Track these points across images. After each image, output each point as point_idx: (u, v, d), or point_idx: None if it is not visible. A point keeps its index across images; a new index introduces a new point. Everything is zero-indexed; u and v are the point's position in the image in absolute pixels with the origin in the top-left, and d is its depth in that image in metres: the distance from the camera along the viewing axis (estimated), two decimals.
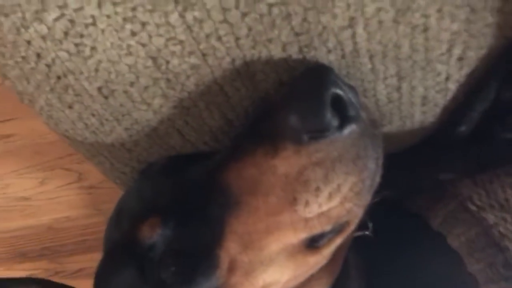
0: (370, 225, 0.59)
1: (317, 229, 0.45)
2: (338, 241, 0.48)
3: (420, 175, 0.60)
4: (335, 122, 0.42)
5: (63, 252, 1.55)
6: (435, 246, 0.57)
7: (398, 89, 0.49)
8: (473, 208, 0.54)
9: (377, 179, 0.46)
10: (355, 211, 0.46)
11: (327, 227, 0.46)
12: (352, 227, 0.49)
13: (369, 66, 0.46)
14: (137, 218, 0.51)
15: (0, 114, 1.09)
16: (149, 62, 0.44)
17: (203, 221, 0.47)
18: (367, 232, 0.59)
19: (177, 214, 0.49)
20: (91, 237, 1.48)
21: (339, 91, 0.42)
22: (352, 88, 0.45)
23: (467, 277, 0.54)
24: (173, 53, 0.44)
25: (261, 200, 0.45)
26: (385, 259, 0.60)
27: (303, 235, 0.46)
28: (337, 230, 0.47)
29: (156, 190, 0.54)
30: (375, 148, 0.45)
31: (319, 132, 0.42)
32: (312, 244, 0.47)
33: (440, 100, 0.50)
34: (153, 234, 0.48)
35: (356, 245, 0.57)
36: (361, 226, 0.56)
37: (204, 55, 0.44)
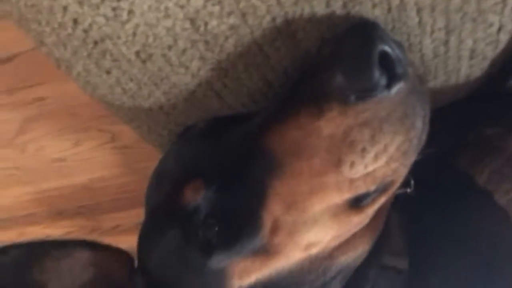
0: (412, 183, 0.58)
1: (361, 189, 0.45)
2: (382, 200, 0.48)
3: (465, 130, 0.58)
4: (383, 81, 0.40)
5: (99, 210, 1.60)
6: (481, 204, 0.56)
7: (446, 43, 0.47)
8: None
9: (424, 137, 0.45)
10: (401, 170, 0.46)
11: (372, 187, 0.45)
12: (396, 186, 0.48)
13: (416, 19, 0.44)
14: (179, 182, 0.52)
15: (32, 78, 1.11)
16: (187, 24, 0.43)
17: (245, 183, 0.47)
18: (409, 190, 0.58)
19: (220, 177, 0.49)
20: (125, 196, 1.52)
21: (386, 48, 0.40)
22: (399, 44, 0.43)
23: None
24: (211, 14, 0.42)
25: (305, 162, 0.45)
26: (428, 218, 0.60)
27: (347, 195, 0.46)
28: (381, 189, 0.47)
29: (197, 153, 0.54)
30: (423, 105, 0.44)
31: (366, 92, 0.41)
32: (356, 203, 0.47)
33: (489, 52, 0.48)
34: (197, 197, 0.49)
35: (398, 203, 0.57)
36: (404, 183, 0.56)
37: (243, 14, 0.43)
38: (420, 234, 0.59)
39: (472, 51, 0.48)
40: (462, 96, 0.56)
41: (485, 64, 0.50)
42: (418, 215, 0.60)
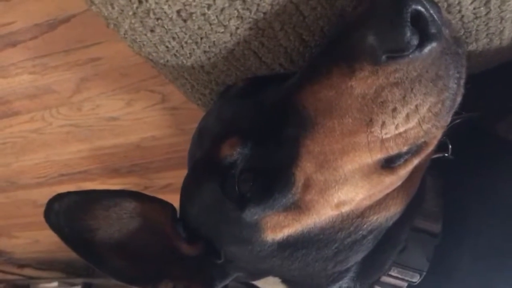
0: (450, 147, 0.57)
1: (393, 150, 0.45)
2: (415, 162, 0.48)
3: (506, 96, 0.57)
4: (415, 41, 0.40)
5: (151, 169, 1.66)
6: None
7: (487, 3, 0.46)
8: None
9: (458, 99, 0.45)
10: (433, 132, 0.45)
11: (404, 148, 0.46)
12: (430, 148, 0.48)
13: None
14: (217, 138, 0.54)
15: (87, 39, 1.15)
16: None
17: (279, 141, 0.49)
18: (446, 154, 0.57)
19: (255, 134, 0.51)
20: (175, 155, 1.57)
21: (420, 7, 0.40)
22: (434, 3, 0.42)
23: None
24: None
25: (337, 122, 0.45)
26: (465, 182, 0.59)
27: (378, 155, 0.46)
28: (414, 151, 0.47)
29: (235, 112, 0.56)
30: (457, 67, 0.43)
31: (397, 52, 0.40)
32: (388, 164, 0.47)
33: None
34: (233, 153, 0.51)
35: (435, 167, 0.57)
36: (441, 147, 0.55)
37: None
38: (455, 198, 0.59)
39: None
40: (506, 61, 0.55)
41: None
42: (455, 180, 0.59)
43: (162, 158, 1.60)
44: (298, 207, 0.49)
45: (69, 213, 0.55)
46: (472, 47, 0.52)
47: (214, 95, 0.64)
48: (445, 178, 0.60)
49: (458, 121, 0.55)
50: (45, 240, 2.52)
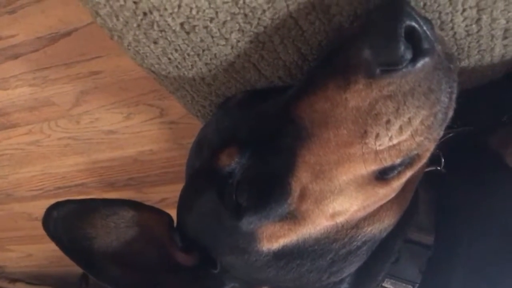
0: (443, 160, 0.58)
1: (387, 162, 0.46)
2: (408, 174, 0.49)
3: (499, 111, 0.59)
4: (408, 55, 0.41)
5: (147, 183, 1.66)
6: (508, 183, 0.56)
7: (478, 21, 0.47)
8: None
9: (450, 113, 0.46)
10: (426, 145, 0.46)
11: (397, 160, 0.47)
12: (423, 161, 0.49)
13: None
14: (216, 148, 0.55)
15: (89, 52, 1.16)
16: None
17: (277, 151, 0.50)
18: (439, 168, 0.59)
19: (253, 144, 0.52)
20: (172, 170, 1.57)
21: (413, 24, 0.41)
22: (427, 20, 0.44)
23: None
24: None
25: (332, 133, 0.46)
26: (457, 195, 0.60)
27: (373, 167, 0.47)
28: (407, 163, 0.48)
29: (234, 122, 0.57)
30: (449, 82, 0.44)
31: (391, 65, 0.42)
32: (382, 176, 0.48)
33: None
34: (231, 162, 0.52)
35: (428, 180, 0.58)
36: (434, 161, 0.57)
37: None
38: (448, 211, 0.60)
39: (506, 31, 0.48)
40: (497, 77, 0.57)
41: None
42: (447, 192, 0.61)
43: (159, 172, 1.61)
44: (294, 217, 0.50)
45: (67, 221, 0.56)
46: (464, 63, 0.54)
47: (214, 107, 0.66)
48: (438, 191, 0.61)
49: (450, 135, 0.57)
50: (38, 254, 2.50)
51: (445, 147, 0.56)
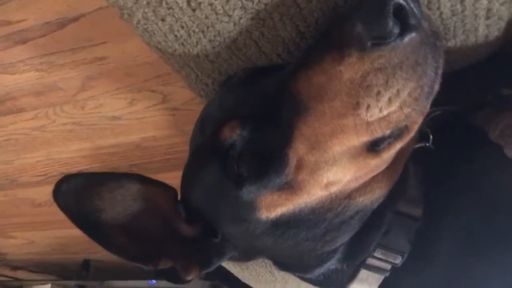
0: (431, 137, 0.62)
1: (377, 133, 0.50)
2: (398, 146, 0.52)
3: (484, 90, 0.62)
4: (396, 30, 0.45)
5: (149, 170, 1.69)
6: (492, 157, 0.60)
7: (462, 1, 0.51)
8: None
9: (436, 87, 0.49)
10: (413, 116, 0.50)
11: (387, 131, 0.50)
12: (412, 133, 0.52)
13: None
14: (219, 122, 0.58)
15: (95, 38, 1.20)
16: None
17: (276, 124, 0.53)
18: (428, 144, 0.62)
19: (254, 118, 0.55)
20: (174, 156, 1.60)
21: (401, 1, 0.44)
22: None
23: None
24: None
25: (327, 105, 0.50)
26: (444, 170, 0.64)
27: (364, 138, 0.50)
28: (397, 135, 0.51)
29: (235, 99, 0.60)
30: (435, 57, 0.48)
31: (381, 39, 0.45)
32: (373, 147, 0.52)
33: (504, 12, 0.52)
34: (233, 135, 0.56)
35: (417, 156, 0.61)
36: (423, 138, 0.60)
37: None
38: (436, 185, 0.63)
39: (488, 11, 0.52)
40: (482, 57, 0.60)
41: (502, 24, 0.54)
42: (435, 167, 0.64)
43: (161, 159, 1.64)
44: (291, 187, 0.53)
45: (76, 194, 0.58)
46: (451, 43, 0.57)
47: (216, 86, 0.69)
48: (426, 166, 0.65)
49: (438, 112, 0.61)
50: (40, 242, 2.53)
51: (433, 125, 0.60)
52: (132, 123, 1.48)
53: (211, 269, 0.65)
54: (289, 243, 0.60)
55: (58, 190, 0.58)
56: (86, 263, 2.74)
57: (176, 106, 1.38)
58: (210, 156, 0.59)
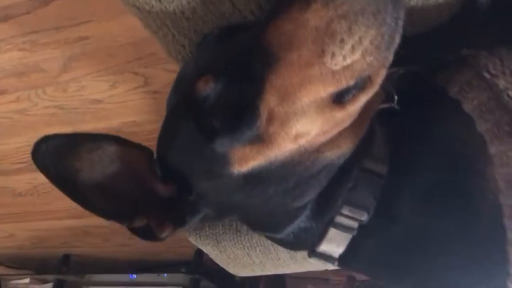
0: (396, 97, 0.64)
1: (342, 83, 0.52)
2: (362, 99, 0.55)
3: (446, 50, 0.65)
4: None
5: None
6: (451, 112, 0.63)
7: None
8: (487, 75, 0.59)
9: (397, 38, 0.52)
10: (376, 65, 0.52)
11: (351, 81, 0.52)
12: (375, 86, 0.54)
13: None
14: (193, 79, 0.60)
15: (77, 16, 1.21)
16: None
17: (248, 78, 0.55)
18: (393, 104, 0.64)
19: (227, 72, 0.57)
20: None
21: None
22: None
23: (477, 137, 0.60)
24: None
25: (296, 54, 0.52)
26: (409, 130, 0.66)
27: (330, 88, 0.53)
28: (360, 87, 0.54)
29: (210, 56, 0.62)
30: (396, 8, 0.50)
31: None
32: (339, 99, 0.54)
33: None
34: (206, 88, 0.57)
35: (383, 116, 0.64)
36: (388, 99, 0.63)
37: None
38: (399, 144, 0.66)
39: None
40: (444, 19, 0.63)
41: None
42: (399, 127, 0.66)
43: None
44: (262, 140, 0.55)
45: (55, 154, 0.59)
46: (413, 2, 0.60)
47: (193, 47, 0.71)
48: (392, 126, 0.67)
49: (401, 72, 0.64)
50: (20, 234, 2.51)
51: (397, 86, 0.63)
52: (113, 107, 1.49)
53: (185, 226, 0.67)
54: (260, 199, 0.62)
55: (37, 150, 0.58)
56: (66, 258, 2.72)
57: (157, 89, 1.39)
58: (184, 112, 0.60)
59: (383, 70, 0.54)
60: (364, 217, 0.64)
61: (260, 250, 1.11)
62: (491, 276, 0.61)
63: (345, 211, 0.64)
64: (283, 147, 0.56)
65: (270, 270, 1.22)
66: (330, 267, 0.78)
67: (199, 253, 2.27)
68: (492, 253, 0.60)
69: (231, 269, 1.25)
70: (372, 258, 0.69)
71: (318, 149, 0.58)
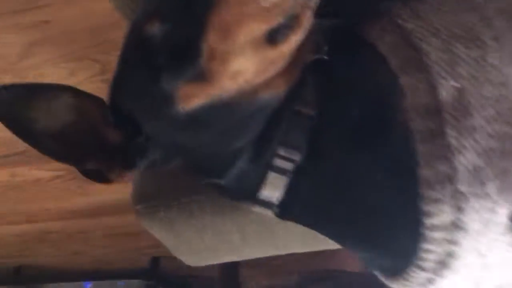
0: (326, 48, 0.71)
1: (273, 20, 0.58)
2: (293, 38, 0.61)
3: (365, 4, 0.74)
4: None
5: None
6: (371, 55, 0.70)
7: None
8: (399, 21, 0.68)
9: None
10: (301, 1, 0.58)
11: (281, 18, 0.58)
12: (303, 27, 0.60)
13: None
14: (141, 22, 0.66)
15: (36, 0, 1.23)
16: None
17: (192, 18, 0.60)
18: (323, 56, 0.71)
19: (173, 14, 0.62)
20: None
21: None
22: None
23: (391, 73, 0.67)
24: None
25: None
26: (335, 73, 0.72)
27: (263, 26, 0.58)
28: (290, 26, 0.60)
29: (157, 2, 0.66)
30: None
31: None
32: (272, 39, 0.59)
33: None
34: (154, 29, 0.62)
35: (313, 66, 0.70)
36: (318, 50, 0.70)
37: None
38: (328, 87, 0.72)
39: None
40: None
41: None
42: (328, 73, 0.73)
43: None
44: (204, 78, 0.60)
45: (14, 103, 0.61)
46: None
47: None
48: (321, 73, 0.73)
49: (329, 23, 0.71)
50: None
51: (326, 38, 0.70)
52: None
53: (136, 169, 0.70)
54: (204, 139, 0.67)
55: None
56: (17, 270, 2.64)
57: None
58: (133, 55, 0.65)
59: (308, 11, 0.61)
60: (298, 157, 0.69)
61: (211, 233, 1.13)
62: (407, 199, 0.66)
63: (281, 151, 0.69)
64: (224, 85, 0.61)
65: (224, 256, 1.24)
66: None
67: (156, 260, 2.28)
68: (408, 178, 0.65)
69: (185, 258, 1.25)
70: (308, 202, 0.73)
71: (256, 90, 0.63)
